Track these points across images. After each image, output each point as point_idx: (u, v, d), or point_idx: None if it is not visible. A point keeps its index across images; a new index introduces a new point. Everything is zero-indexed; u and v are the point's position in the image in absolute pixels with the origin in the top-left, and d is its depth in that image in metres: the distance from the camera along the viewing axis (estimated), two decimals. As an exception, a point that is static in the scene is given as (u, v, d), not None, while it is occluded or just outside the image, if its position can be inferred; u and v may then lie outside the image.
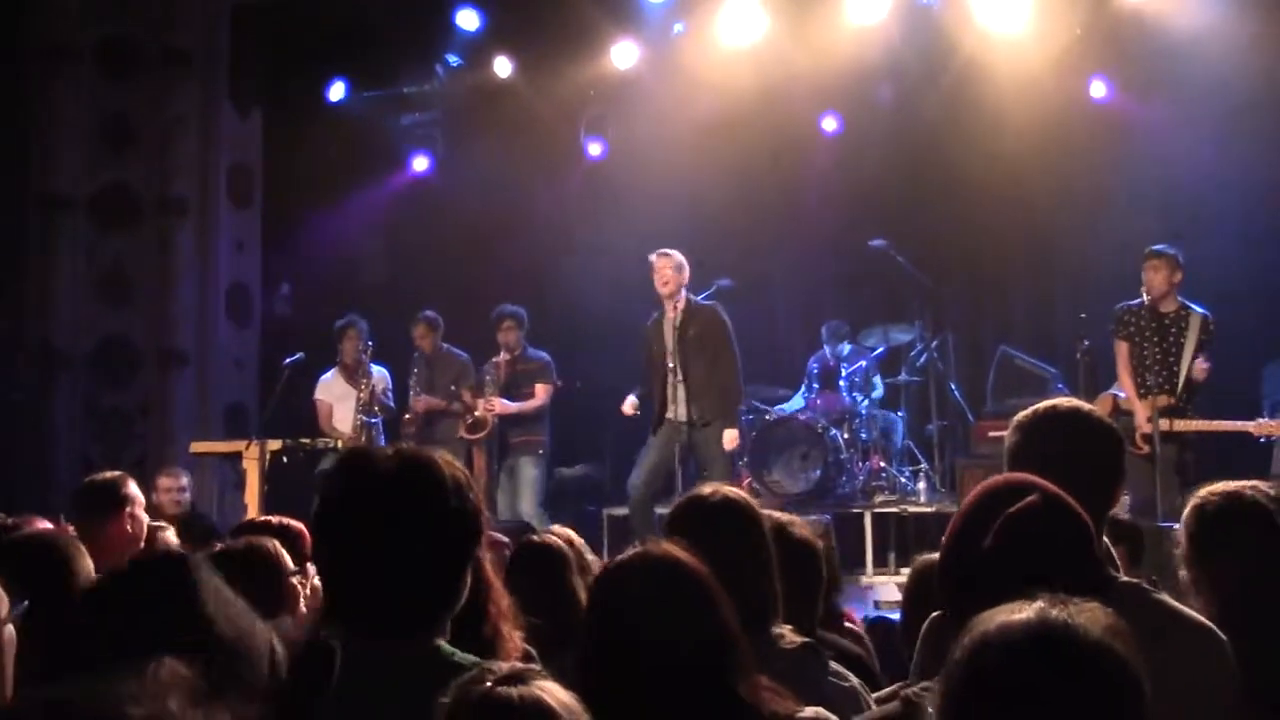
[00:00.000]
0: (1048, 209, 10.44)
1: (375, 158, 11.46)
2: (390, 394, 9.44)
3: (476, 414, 9.21)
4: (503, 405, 9.23)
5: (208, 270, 10.55)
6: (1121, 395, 7.77)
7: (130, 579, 1.98)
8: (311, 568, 3.19)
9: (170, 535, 5.08)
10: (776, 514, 3.36)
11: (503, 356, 9.37)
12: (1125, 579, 2.64)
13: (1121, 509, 4.65)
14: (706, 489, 3.02)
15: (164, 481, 8.05)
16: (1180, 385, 7.58)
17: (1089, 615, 1.55)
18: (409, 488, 2.18)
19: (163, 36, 10.38)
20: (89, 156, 10.23)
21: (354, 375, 9.27)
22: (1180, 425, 7.46)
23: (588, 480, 10.49)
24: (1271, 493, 2.97)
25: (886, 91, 10.55)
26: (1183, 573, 3.19)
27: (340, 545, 2.20)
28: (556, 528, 4.11)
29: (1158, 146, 9.74)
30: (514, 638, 2.51)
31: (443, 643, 2.16)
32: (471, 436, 9.25)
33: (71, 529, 4.35)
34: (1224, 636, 2.50)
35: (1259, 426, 7.43)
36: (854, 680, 2.93)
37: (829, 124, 10.92)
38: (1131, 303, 7.73)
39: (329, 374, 9.42)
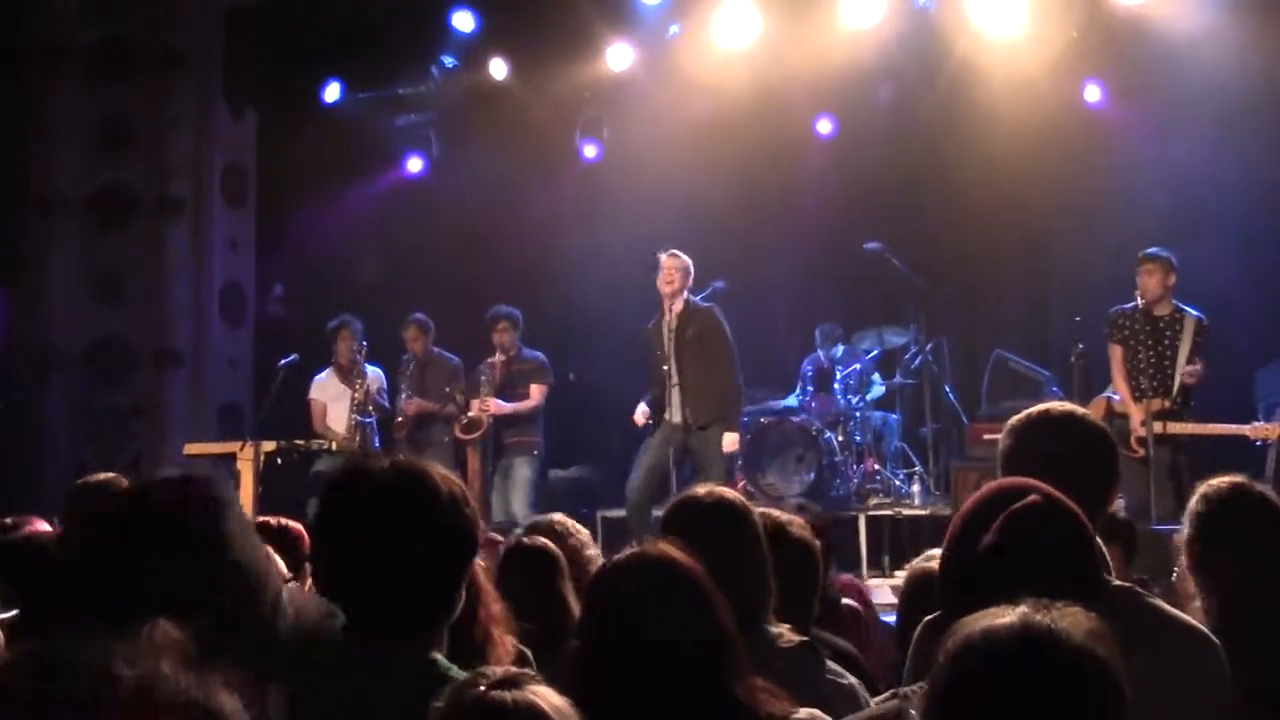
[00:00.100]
0: (1043, 212, 10.46)
1: (370, 158, 11.46)
2: (385, 394, 9.45)
3: (471, 415, 9.21)
4: (498, 406, 9.23)
5: (202, 270, 10.54)
6: (1116, 398, 7.79)
7: (160, 488, 2.00)
8: (309, 569, 3.19)
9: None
10: (775, 512, 3.36)
11: (498, 357, 9.38)
12: (1118, 583, 2.64)
13: (1117, 512, 4.66)
14: (701, 489, 3.02)
15: (158, 482, 8.03)
16: (1175, 388, 7.59)
17: (1072, 620, 1.57)
18: (404, 501, 2.18)
19: (161, 37, 10.37)
20: (85, 157, 10.23)
21: (348, 375, 9.27)
22: (1175, 428, 7.47)
23: (582, 482, 10.48)
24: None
25: (882, 94, 10.55)
26: (1175, 573, 3.20)
27: (336, 556, 2.22)
28: (557, 516, 4.08)
29: (1152, 150, 9.75)
30: (505, 642, 2.52)
31: (439, 656, 2.17)
32: (466, 437, 9.25)
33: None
34: (1217, 641, 2.50)
35: (1255, 430, 7.43)
36: (851, 678, 2.93)
37: (824, 126, 10.91)
38: (1126, 306, 7.75)
39: (323, 374, 9.42)
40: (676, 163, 10.31)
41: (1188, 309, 7.70)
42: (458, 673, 2.10)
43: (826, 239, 11.04)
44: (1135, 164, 9.79)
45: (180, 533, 1.88)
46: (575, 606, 3.41)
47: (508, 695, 1.78)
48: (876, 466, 9.72)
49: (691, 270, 8.34)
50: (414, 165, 11.61)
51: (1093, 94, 10.09)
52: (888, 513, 9.23)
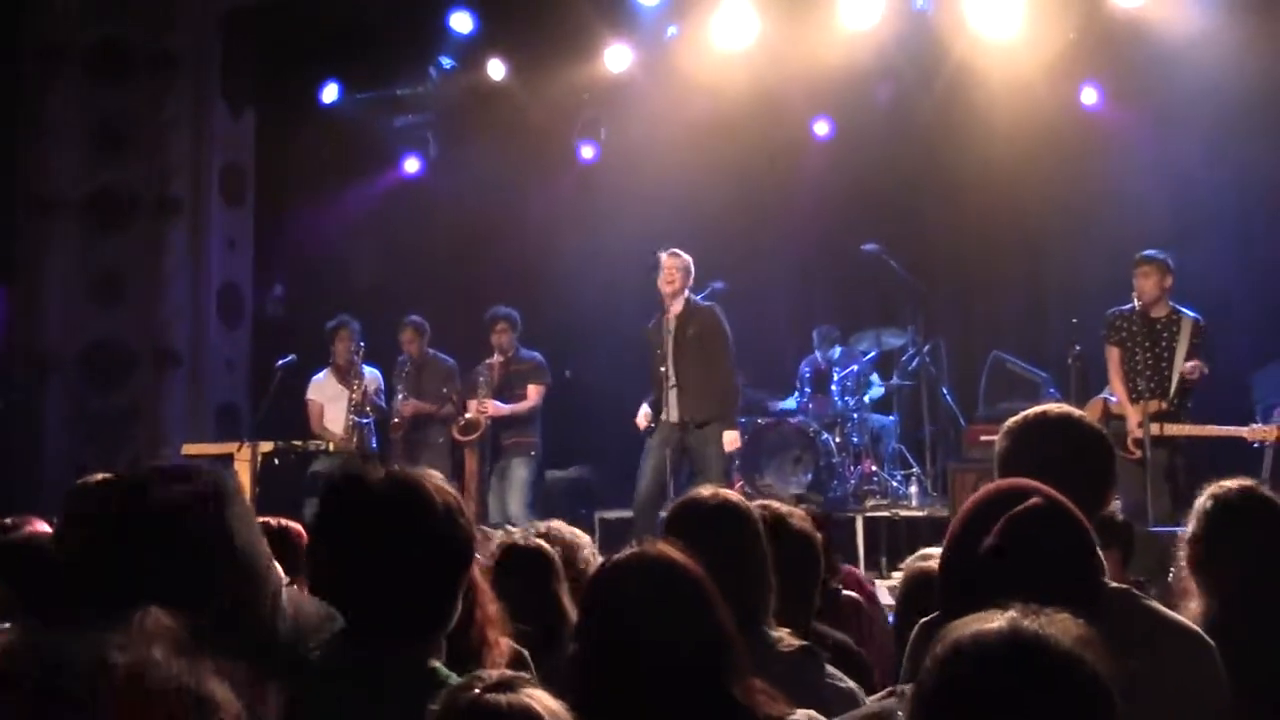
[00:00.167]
0: (1040, 214, 10.46)
1: (368, 159, 11.47)
2: (382, 395, 9.45)
3: (469, 416, 9.21)
4: (495, 407, 9.24)
5: (200, 271, 10.54)
6: (1113, 400, 7.79)
7: (161, 483, 1.98)
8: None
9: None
10: (775, 504, 3.36)
11: (496, 358, 9.38)
12: (1114, 585, 2.64)
13: (1115, 514, 4.66)
14: (705, 490, 3.02)
15: (155, 483, 8.03)
16: (1172, 390, 7.59)
17: (1060, 626, 1.57)
18: (399, 512, 2.19)
19: (160, 37, 10.37)
20: (84, 157, 10.22)
21: (346, 376, 9.27)
22: (1172, 430, 7.48)
23: (580, 483, 10.48)
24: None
25: (880, 96, 10.55)
26: (1172, 573, 3.21)
27: (332, 563, 2.23)
28: (556, 523, 4.07)
29: (1150, 152, 9.76)
30: (500, 644, 2.52)
31: (438, 664, 2.18)
32: (464, 439, 9.25)
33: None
34: (1212, 642, 2.51)
35: (1253, 432, 7.43)
36: (850, 683, 2.93)
37: (822, 128, 10.91)
38: (1123, 308, 7.76)
39: (321, 375, 9.42)
40: (674, 164, 10.32)
41: (1185, 310, 7.71)
42: (456, 680, 2.10)
43: (824, 240, 11.04)
44: (1132, 166, 9.80)
45: (180, 531, 1.87)
46: (571, 609, 3.41)
47: (502, 698, 1.79)
48: (874, 468, 9.73)
49: (692, 269, 8.35)
50: (412, 166, 11.62)
51: (1090, 96, 10.09)
52: (885, 514, 9.24)
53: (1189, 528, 3.09)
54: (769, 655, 2.68)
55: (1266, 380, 8.98)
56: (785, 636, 2.83)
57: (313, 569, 2.33)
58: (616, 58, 10.48)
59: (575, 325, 10.87)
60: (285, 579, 3.24)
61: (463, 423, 9.23)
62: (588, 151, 11.19)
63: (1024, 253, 10.90)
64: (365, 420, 9.08)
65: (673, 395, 8.19)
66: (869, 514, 9.20)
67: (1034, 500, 2.27)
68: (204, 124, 10.58)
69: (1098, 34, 9.59)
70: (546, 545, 3.68)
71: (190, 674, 1.18)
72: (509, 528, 4.43)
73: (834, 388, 9.86)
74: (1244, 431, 7.44)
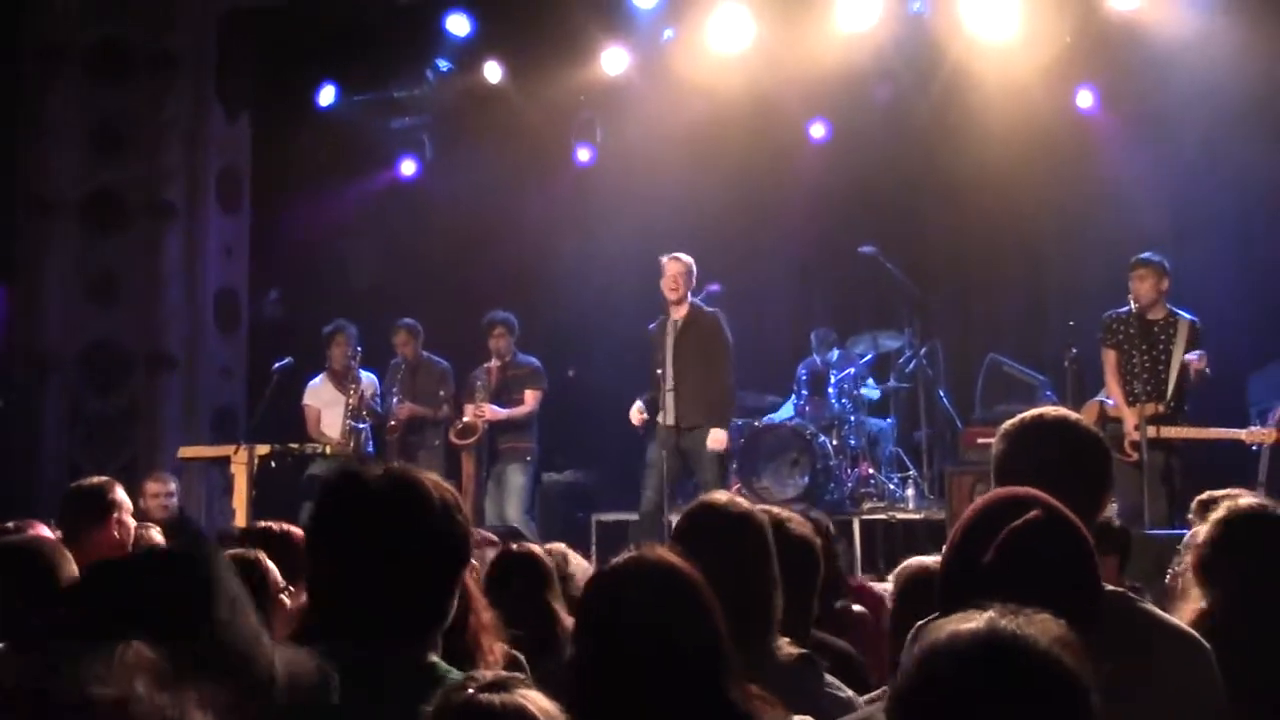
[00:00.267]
0: (1037, 216, 10.46)
1: (365, 161, 11.46)
2: (379, 399, 9.44)
3: (466, 420, 9.20)
4: (493, 411, 9.22)
5: (196, 274, 10.54)
6: (1109, 403, 7.79)
7: (141, 565, 1.88)
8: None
9: (156, 534, 5.06)
10: (774, 509, 3.33)
11: (494, 363, 9.36)
12: (1110, 588, 2.64)
13: (1111, 519, 4.66)
14: (721, 498, 3.01)
15: (151, 486, 8.04)
16: (1169, 392, 7.59)
17: (1039, 626, 1.56)
18: (397, 508, 2.19)
19: (161, 37, 10.37)
20: (83, 157, 10.22)
21: (343, 380, 9.25)
22: (1169, 432, 7.47)
23: (577, 486, 10.48)
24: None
25: (876, 98, 10.55)
26: (1170, 573, 3.20)
27: (330, 562, 2.23)
28: (557, 546, 4.07)
29: (1145, 155, 9.76)
30: (494, 649, 2.52)
31: (436, 659, 2.18)
32: (461, 442, 9.24)
33: (58, 534, 4.33)
34: (1208, 645, 2.50)
35: (1250, 434, 7.42)
36: (849, 692, 2.92)
37: (818, 130, 10.91)
38: (1119, 310, 7.76)
39: (317, 379, 9.41)
40: (671, 166, 10.32)
41: (1181, 313, 7.71)
42: (455, 675, 2.10)
43: (821, 243, 11.05)
44: (1129, 168, 9.80)
45: (161, 627, 1.77)
46: (564, 615, 3.41)
47: (496, 698, 1.79)
48: (871, 470, 9.72)
49: (694, 270, 8.39)
50: (408, 168, 11.60)
51: (1086, 99, 10.09)
52: (882, 517, 9.25)
53: (1199, 532, 3.05)
54: (769, 664, 2.67)
55: (1262, 383, 8.98)
56: (784, 645, 2.82)
57: (312, 565, 2.33)
58: (613, 60, 10.48)
59: (572, 327, 10.87)
60: (282, 583, 3.25)
61: (460, 426, 9.22)
62: (584, 154, 11.18)
63: (1021, 255, 10.90)
64: (362, 425, 9.07)
65: (670, 398, 8.21)
66: (866, 517, 9.21)
67: (1034, 513, 2.25)
68: (201, 127, 10.59)
69: (1094, 36, 9.59)
70: (539, 551, 3.69)
71: (174, 707, 1.17)
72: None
73: (831, 390, 9.85)
74: (1242, 434, 7.43)
